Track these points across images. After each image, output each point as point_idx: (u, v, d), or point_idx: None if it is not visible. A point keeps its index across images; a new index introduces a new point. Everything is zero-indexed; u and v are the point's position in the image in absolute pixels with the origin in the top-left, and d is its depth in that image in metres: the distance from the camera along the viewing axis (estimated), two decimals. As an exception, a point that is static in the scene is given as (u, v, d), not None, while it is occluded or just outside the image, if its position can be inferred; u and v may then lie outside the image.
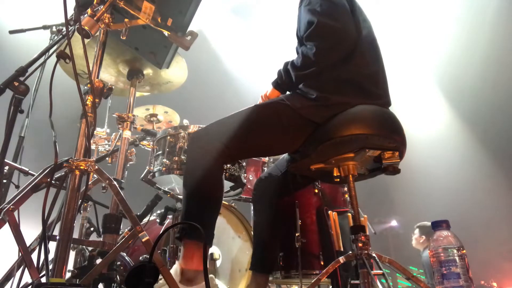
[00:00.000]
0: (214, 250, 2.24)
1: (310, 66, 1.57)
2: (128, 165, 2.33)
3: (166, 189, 2.39)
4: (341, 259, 1.50)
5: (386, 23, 6.02)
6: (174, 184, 2.35)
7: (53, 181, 1.27)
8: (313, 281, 1.56)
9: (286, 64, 1.66)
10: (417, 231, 4.98)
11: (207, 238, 1.49)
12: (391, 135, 1.53)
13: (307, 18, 1.60)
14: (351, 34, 1.58)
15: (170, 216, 2.19)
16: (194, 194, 1.54)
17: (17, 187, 2.03)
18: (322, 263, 1.95)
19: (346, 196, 2.25)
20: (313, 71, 1.58)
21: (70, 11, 1.30)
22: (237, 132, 1.60)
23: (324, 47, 1.55)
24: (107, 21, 1.37)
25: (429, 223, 5.05)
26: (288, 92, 1.73)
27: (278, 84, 1.70)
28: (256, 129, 1.61)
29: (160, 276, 1.18)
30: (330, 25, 1.55)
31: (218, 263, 2.27)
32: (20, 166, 2.07)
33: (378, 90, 1.63)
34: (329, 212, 2.02)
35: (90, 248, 1.58)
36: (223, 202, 2.31)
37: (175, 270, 1.43)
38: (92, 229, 2.12)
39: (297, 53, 1.72)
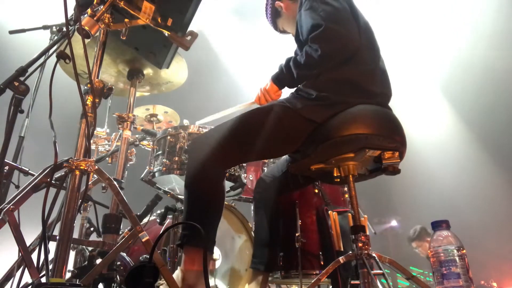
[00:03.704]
0: (214, 250, 2.24)
1: (313, 67, 1.58)
2: (128, 165, 2.33)
3: (166, 189, 2.39)
4: (341, 259, 1.50)
5: (387, 24, 6.02)
6: (174, 184, 2.35)
7: (53, 181, 1.27)
8: (313, 281, 1.56)
9: (288, 60, 1.65)
10: (417, 242, 4.89)
11: (208, 244, 1.49)
12: (391, 135, 1.53)
13: (311, 22, 1.60)
14: (355, 39, 1.59)
15: (170, 216, 2.19)
16: (195, 201, 1.53)
17: (17, 187, 2.02)
18: (322, 263, 1.94)
19: (346, 196, 2.25)
20: (315, 73, 1.59)
21: (70, 11, 1.30)
22: (238, 136, 1.59)
23: (329, 50, 1.56)
24: (107, 21, 1.37)
25: (418, 227, 5.03)
26: (286, 88, 1.73)
27: (278, 79, 1.70)
28: (257, 133, 1.61)
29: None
30: (336, 30, 1.56)
31: (218, 263, 2.27)
32: (20, 166, 2.06)
33: (377, 88, 1.63)
34: (329, 212, 2.02)
35: (90, 248, 1.58)
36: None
37: (176, 275, 1.42)
38: (92, 229, 2.12)
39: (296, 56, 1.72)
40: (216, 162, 1.56)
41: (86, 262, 1.48)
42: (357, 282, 1.46)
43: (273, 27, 2.08)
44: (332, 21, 1.56)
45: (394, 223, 7.08)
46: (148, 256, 1.11)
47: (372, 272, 1.42)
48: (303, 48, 1.62)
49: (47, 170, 1.28)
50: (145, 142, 2.54)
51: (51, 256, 1.12)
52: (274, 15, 2.02)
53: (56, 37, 1.86)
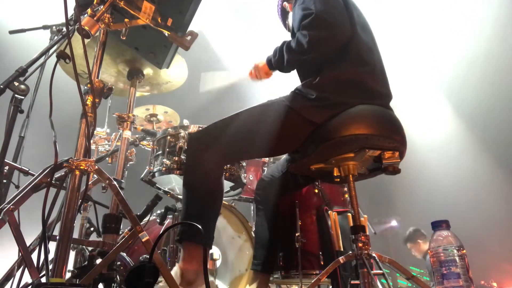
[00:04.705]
0: (214, 250, 2.24)
1: (302, 53, 1.60)
2: (128, 165, 2.33)
3: (166, 189, 2.39)
4: (341, 259, 1.51)
5: (388, 25, 6.02)
6: (174, 184, 2.35)
7: (53, 181, 1.26)
8: (313, 281, 1.56)
9: (283, 43, 1.68)
10: (409, 244, 4.99)
11: (206, 240, 1.49)
12: (391, 135, 1.53)
13: (302, 14, 1.62)
14: (345, 29, 1.60)
15: (170, 216, 2.19)
16: (193, 196, 1.54)
17: (17, 187, 2.02)
18: (322, 263, 1.94)
19: (346, 196, 2.25)
20: (304, 59, 1.61)
21: (70, 11, 1.30)
22: (237, 133, 1.60)
23: (317, 37, 1.57)
24: (107, 21, 1.36)
25: (411, 228, 5.21)
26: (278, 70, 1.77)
27: (271, 61, 1.75)
28: (256, 130, 1.61)
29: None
30: (325, 18, 1.57)
31: (218, 263, 2.27)
32: (20, 166, 2.06)
33: (377, 87, 1.64)
34: (329, 212, 2.02)
35: (90, 248, 1.58)
36: (223, 202, 2.31)
37: (175, 272, 1.42)
38: (92, 229, 2.12)
39: None
40: (215, 155, 1.57)
41: (86, 262, 1.48)
42: (357, 282, 1.46)
43: (284, 26, 2.14)
44: (322, 11, 1.58)
45: (394, 223, 7.09)
46: (148, 256, 1.11)
47: (372, 272, 1.42)
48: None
49: (47, 170, 1.28)
50: (145, 142, 2.54)
51: (51, 256, 1.12)
52: (283, 15, 2.10)
53: (56, 37, 1.86)
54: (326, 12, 1.58)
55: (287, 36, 2.04)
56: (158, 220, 2.18)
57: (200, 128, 2.20)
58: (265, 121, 1.61)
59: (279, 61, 1.69)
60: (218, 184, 1.58)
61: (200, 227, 1.22)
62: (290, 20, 2.05)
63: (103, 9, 1.30)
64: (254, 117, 1.64)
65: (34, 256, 1.14)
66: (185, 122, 2.33)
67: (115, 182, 1.32)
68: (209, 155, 1.56)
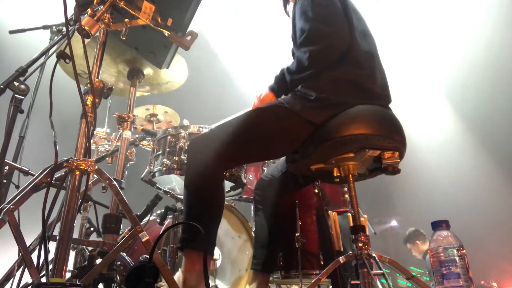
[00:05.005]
0: (214, 251, 2.24)
1: (304, 70, 1.60)
2: (128, 165, 2.33)
3: (166, 189, 2.39)
4: (341, 259, 1.50)
5: (389, 25, 6.02)
6: (174, 184, 2.35)
7: (53, 181, 1.27)
8: (313, 281, 1.56)
9: (282, 70, 1.68)
10: (408, 244, 5.06)
11: (207, 247, 1.48)
12: (391, 135, 1.53)
13: (300, 24, 1.63)
14: (343, 37, 1.60)
15: (170, 216, 2.19)
16: (194, 203, 1.53)
17: (17, 187, 2.02)
18: (322, 263, 1.95)
19: (346, 196, 2.25)
20: (308, 74, 1.61)
21: (70, 11, 1.30)
22: (238, 137, 1.59)
23: (317, 51, 1.57)
24: (107, 21, 1.37)
25: (410, 229, 5.30)
26: (283, 96, 1.74)
27: (274, 89, 1.73)
28: (257, 134, 1.61)
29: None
30: (321, 30, 1.58)
31: (218, 263, 2.27)
32: (20, 166, 2.06)
33: (376, 88, 1.63)
34: (329, 212, 2.02)
35: (90, 248, 1.58)
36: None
37: (177, 277, 1.42)
38: (92, 229, 2.12)
39: (293, 55, 1.73)
40: (216, 162, 1.55)
41: (86, 262, 1.48)
42: (357, 282, 1.46)
43: (285, 12, 2.13)
44: (319, 22, 1.58)
45: (394, 223, 7.09)
46: (148, 256, 1.11)
47: (372, 272, 1.42)
48: (296, 50, 1.65)
49: (47, 170, 1.28)
50: (145, 142, 2.54)
51: (51, 256, 1.12)
52: (284, 1, 2.09)
53: (56, 37, 1.86)
54: (322, 22, 1.58)
55: (287, 35, 2.04)
56: (158, 220, 2.18)
57: (200, 128, 2.20)
58: (265, 125, 1.61)
59: (283, 86, 1.68)
60: (220, 189, 1.56)
61: (200, 228, 1.22)
62: (289, 8, 2.05)
63: (103, 9, 1.31)
64: (254, 121, 1.63)
65: (34, 256, 1.14)
66: (185, 122, 2.33)
67: (115, 182, 1.32)
68: (211, 160, 1.54)
